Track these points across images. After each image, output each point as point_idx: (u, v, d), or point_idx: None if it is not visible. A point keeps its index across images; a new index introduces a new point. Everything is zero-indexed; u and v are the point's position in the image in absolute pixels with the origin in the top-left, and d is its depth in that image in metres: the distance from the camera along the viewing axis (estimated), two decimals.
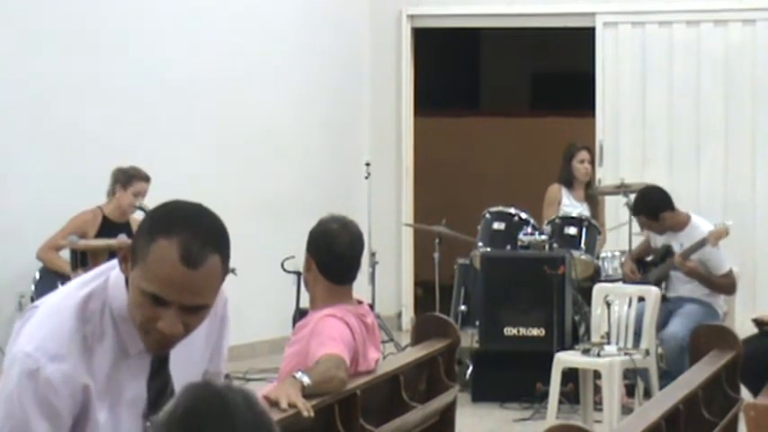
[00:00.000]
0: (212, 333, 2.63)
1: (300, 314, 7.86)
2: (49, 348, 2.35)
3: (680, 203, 7.92)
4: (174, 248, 2.29)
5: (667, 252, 7.79)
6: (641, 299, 7.23)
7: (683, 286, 7.77)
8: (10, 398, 2.35)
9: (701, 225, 7.78)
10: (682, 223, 7.79)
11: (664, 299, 7.67)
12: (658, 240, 7.93)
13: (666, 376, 7.22)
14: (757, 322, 6.58)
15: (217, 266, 2.34)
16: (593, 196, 9.02)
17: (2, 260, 7.73)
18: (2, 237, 7.73)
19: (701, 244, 7.60)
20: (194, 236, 2.31)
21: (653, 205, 7.75)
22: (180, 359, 2.52)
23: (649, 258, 8.04)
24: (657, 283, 7.72)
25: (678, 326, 7.50)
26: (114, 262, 2.48)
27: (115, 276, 2.44)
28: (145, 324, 2.37)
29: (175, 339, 2.39)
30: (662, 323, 7.58)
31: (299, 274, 8.08)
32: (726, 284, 7.74)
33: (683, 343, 7.06)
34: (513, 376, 7.72)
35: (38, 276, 7.65)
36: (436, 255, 8.69)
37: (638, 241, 8.52)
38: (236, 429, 1.79)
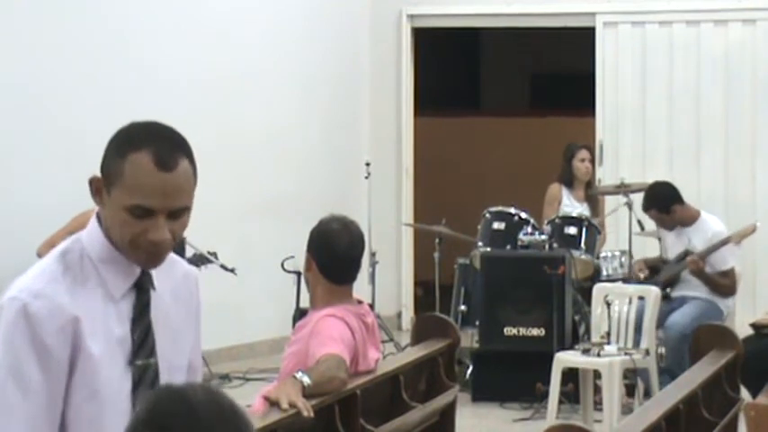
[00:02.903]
0: (191, 311, 2.65)
1: (300, 314, 7.86)
2: (33, 287, 2.40)
3: None
4: (148, 158, 2.39)
5: (686, 255, 7.79)
6: (641, 298, 7.24)
7: (690, 283, 7.78)
8: (1, 341, 2.38)
9: (710, 221, 7.81)
10: (691, 218, 7.83)
11: (667, 298, 7.68)
12: (668, 240, 7.93)
13: (665, 372, 7.24)
14: (755, 326, 6.59)
15: (188, 169, 2.44)
16: (593, 196, 9.02)
17: (1, 260, 7.73)
18: (1, 237, 7.73)
19: (724, 242, 7.62)
20: (161, 144, 2.42)
21: (663, 198, 7.79)
22: (160, 320, 2.54)
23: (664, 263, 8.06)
24: (668, 283, 7.74)
25: (681, 315, 7.53)
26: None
27: (88, 230, 2.50)
28: (135, 240, 2.42)
29: (164, 249, 2.45)
30: (662, 322, 7.58)
31: (299, 273, 8.08)
32: (725, 285, 7.74)
33: (684, 331, 7.08)
34: (513, 376, 7.71)
35: None
36: (436, 254, 8.69)
37: (638, 241, 8.54)
38: (201, 420, 1.82)
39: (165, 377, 2.52)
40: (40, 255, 7.71)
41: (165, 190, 2.39)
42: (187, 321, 2.63)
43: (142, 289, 2.50)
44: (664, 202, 7.79)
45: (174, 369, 2.55)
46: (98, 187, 2.46)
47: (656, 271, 8.01)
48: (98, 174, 2.46)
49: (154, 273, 2.53)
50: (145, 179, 2.38)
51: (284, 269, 8.48)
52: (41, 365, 2.37)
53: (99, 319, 2.44)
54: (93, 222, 2.50)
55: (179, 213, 2.43)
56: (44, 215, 7.80)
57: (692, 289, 7.78)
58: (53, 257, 2.47)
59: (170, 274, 2.59)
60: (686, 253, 7.80)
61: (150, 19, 8.82)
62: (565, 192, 8.98)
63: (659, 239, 8.24)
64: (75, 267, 2.45)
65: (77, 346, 2.40)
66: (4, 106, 7.83)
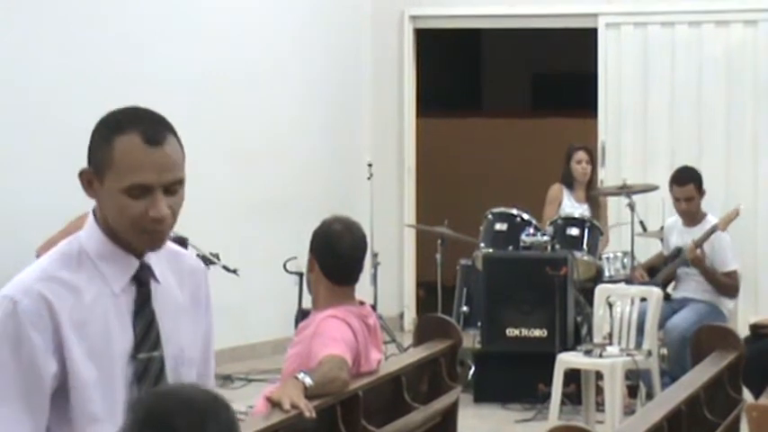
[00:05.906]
0: (200, 303, 2.64)
1: (302, 315, 7.86)
2: (25, 284, 2.40)
3: None
4: (135, 137, 2.41)
5: (678, 253, 7.81)
6: (643, 299, 7.24)
7: (689, 285, 7.78)
8: None
9: (713, 221, 7.84)
10: (700, 217, 7.85)
11: (668, 297, 7.68)
12: (671, 239, 7.94)
13: (667, 375, 7.23)
14: (754, 327, 6.59)
15: (176, 144, 2.47)
16: (594, 197, 9.02)
17: (2, 261, 7.73)
18: (2, 237, 7.73)
19: (712, 230, 7.65)
20: (146, 124, 2.45)
21: (700, 177, 7.83)
22: (168, 313, 2.53)
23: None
24: (665, 283, 7.74)
25: (681, 318, 7.53)
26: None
27: (86, 228, 2.51)
28: (137, 222, 2.42)
29: (167, 226, 2.45)
30: (664, 323, 7.58)
31: (300, 274, 8.09)
32: (727, 284, 7.74)
33: (685, 334, 7.08)
34: (516, 377, 7.72)
35: None
36: (438, 256, 8.69)
37: (640, 242, 8.53)
38: (197, 408, 1.84)
39: (174, 370, 2.52)
40: (38, 255, 7.71)
41: (158, 164, 2.41)
42: (195, 313, 2.62)
43: (142, 282, 2.50)
44: (701, 180, 7.84)
45: (183, 361, 2.55)
46: (89, 179, 2.47)
47: (654, 272, 8.01)
48: (86, 166, 2.47)
49: (161, 266, 2.53)
50: (137, 157, 2.40)
51: (286, 270, 8.49)
52: (19, 358, 2.37)
53: (95, 314, 2.44)
54: (89, 220, 2.51)
55: (174, 187, 2.45)
56: (45, 215, 7.80)
57: (694, 291, 7.78)
58: (50, 256, 2.48)
59: (177, 267, 2.60)
60: (678, 251, 7.81)
61: (151, 20, 8.82)
62: (566, 192, 8.99)
63: (661, 240, 8.24)
64: (73, 264, 2.46)
65: (62, 345, 2.39)
66: (5, 106, 7.83)
